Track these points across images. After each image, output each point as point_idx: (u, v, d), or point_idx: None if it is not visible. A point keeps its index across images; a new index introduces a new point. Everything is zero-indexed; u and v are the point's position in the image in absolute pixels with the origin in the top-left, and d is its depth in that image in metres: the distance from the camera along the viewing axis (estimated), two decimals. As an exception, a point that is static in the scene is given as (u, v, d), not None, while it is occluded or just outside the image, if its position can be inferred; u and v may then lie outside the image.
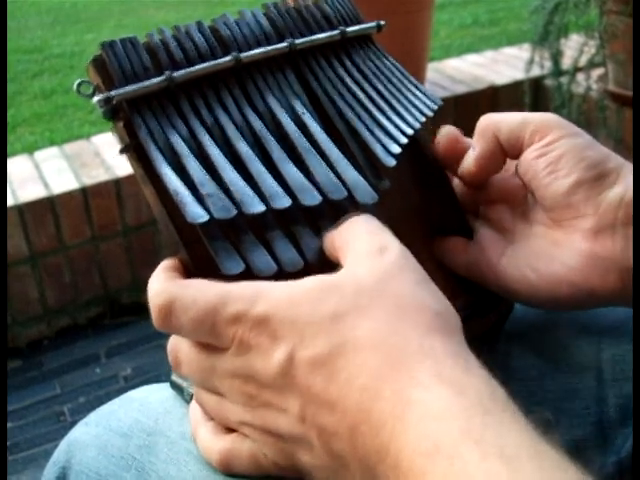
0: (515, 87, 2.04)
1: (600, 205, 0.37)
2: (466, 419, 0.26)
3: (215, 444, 0.35)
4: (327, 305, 0.31)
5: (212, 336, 0.33)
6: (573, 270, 0.38)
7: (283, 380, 0.31)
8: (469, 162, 0.43)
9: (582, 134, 0.40)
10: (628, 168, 0.38)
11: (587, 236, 0.37)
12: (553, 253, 0.39)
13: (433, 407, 0.27)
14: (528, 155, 0.40)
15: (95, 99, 0.37)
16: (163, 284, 0.35)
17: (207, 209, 0.35)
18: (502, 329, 0.45)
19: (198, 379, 0.35)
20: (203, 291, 0.34)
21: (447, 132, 0.45)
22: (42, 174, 1.65)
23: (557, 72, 1.85)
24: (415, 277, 0.33)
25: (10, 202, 1.52)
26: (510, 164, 0.44)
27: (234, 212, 0.36)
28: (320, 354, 0.30)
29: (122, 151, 0.38)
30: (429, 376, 0.28)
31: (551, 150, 0.39)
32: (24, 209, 1.52)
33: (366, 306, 0.31)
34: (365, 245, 0.34)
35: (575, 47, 1.83)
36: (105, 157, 1.70)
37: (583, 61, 1.81)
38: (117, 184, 1.59)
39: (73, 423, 0.45)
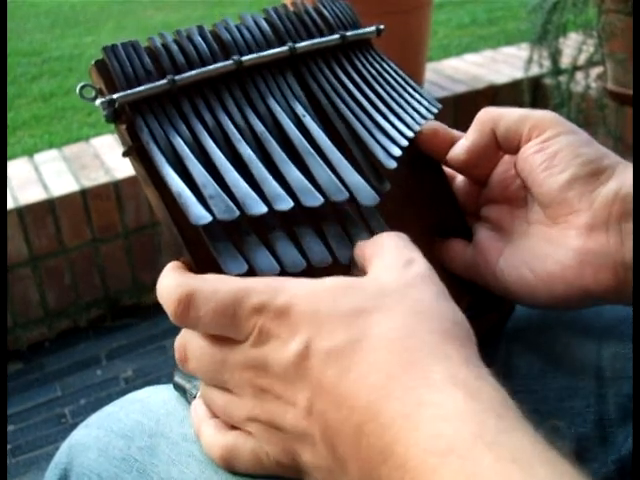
0: (514, 86, 2.04)
1: (594, 201, 0.37)
2: (479, 422, 0.26)
3: (218, 440, 0.35)
4: (348, 300, 0.32)
5: (231, 327, 0.33)
6: (567, 268, 0.38)
7: (296, 371, 0.31)
8: (460, 150, 0.44)
9: (579, 132, 0.40)
10: (624, 166, 0.38)
11: (581, 232, 0.38)
12: (548, 251, 0.39)
13: (446, 408, 0.27)
14: (526, 151, 0.40)
15: (98, 102, 0.37)
16: (179, 278, 0.35)
17: (210, 210, 0.35)
18: (504, 328, 0.45)
19: (207, 374, 0.35)
20: (225, 282, 0.34)
21: (429, 125, 0.45)
22: (42, 176, 1.65)
23: (556, 71, 1.86)
24: (436, 290, 0.33)
25: (10, 205, 1.52)
26: (511, 165, 0.44)
27: (237, 213, 0.36)
28: (336, 347, 0.30)
29: (125, 154, 0.38)
30: (442, 379, 0.28)
31: (548, 146, 0.39)
32: (24, 211, 1.52)
33: (386, 306, 0.31)
34: (393, 258, 0.35)
35: (574, 46, 1.83)
36: (104, 159, 1.71)
37: (582, 60, 1.82)
38: (116, 186, 1.59)
39: (74, 425, 0.45)
